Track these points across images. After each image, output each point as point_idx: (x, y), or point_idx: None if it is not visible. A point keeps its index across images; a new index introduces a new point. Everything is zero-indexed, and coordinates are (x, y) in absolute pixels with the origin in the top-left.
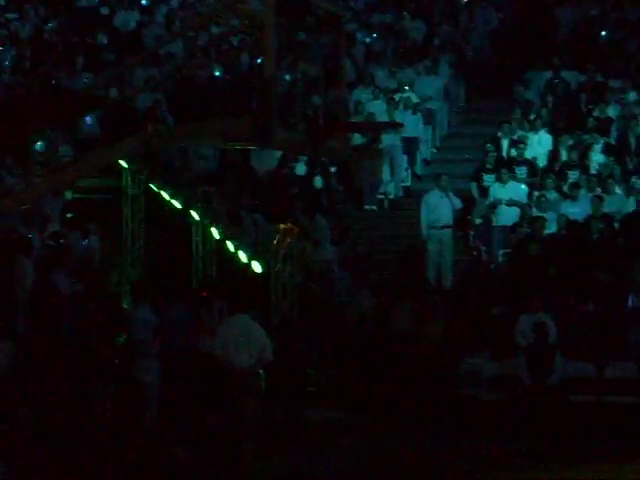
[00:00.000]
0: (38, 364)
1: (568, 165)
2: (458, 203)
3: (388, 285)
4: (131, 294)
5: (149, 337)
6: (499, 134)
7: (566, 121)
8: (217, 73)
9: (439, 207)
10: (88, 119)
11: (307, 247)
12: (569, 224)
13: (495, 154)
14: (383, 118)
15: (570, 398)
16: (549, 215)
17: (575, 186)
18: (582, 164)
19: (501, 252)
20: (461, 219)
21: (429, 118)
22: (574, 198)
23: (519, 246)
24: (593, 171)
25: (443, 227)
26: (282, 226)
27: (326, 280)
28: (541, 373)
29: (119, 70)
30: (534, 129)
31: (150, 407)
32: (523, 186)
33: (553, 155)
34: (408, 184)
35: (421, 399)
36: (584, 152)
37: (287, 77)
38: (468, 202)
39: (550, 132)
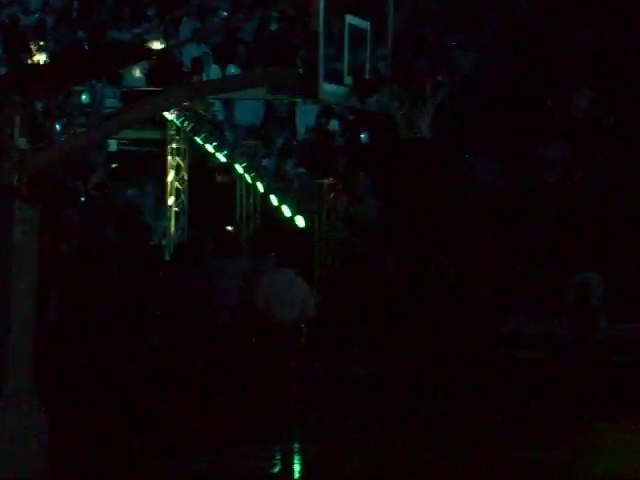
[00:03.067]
0: (84, 313)
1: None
2: None
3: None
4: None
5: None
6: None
7: None
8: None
9: None
10: (136, 72)
11: (350, 202)
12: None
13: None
14: None
15: (613, 358)
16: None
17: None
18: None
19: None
20: None
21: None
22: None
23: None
24: None
25: None
26: (325, 181)
27: (368, 235)
28: (584, 333)
29: (165, 22)
30: None
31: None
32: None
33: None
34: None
35: (462, 357)
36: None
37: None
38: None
39: None
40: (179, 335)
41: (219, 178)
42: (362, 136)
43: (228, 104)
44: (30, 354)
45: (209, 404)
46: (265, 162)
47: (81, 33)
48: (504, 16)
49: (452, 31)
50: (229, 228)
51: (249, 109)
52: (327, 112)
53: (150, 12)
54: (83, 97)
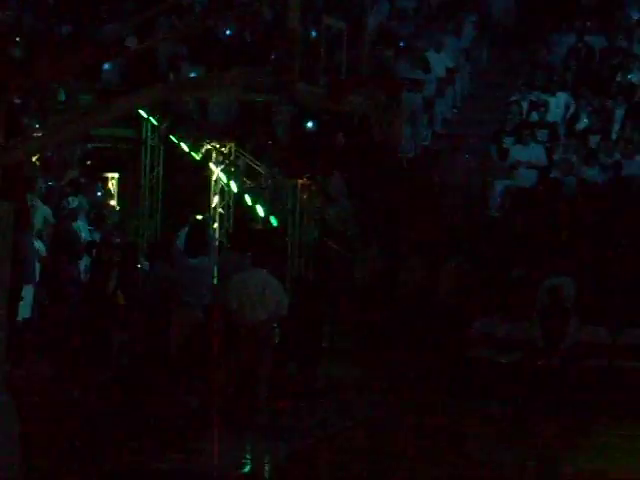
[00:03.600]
0: (55, 310)
1: (589, 130)
2: None
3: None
4: (150, 250)
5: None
6: (519, 97)
7: (588, 85)
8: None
9: None
10: (107, 67)
11: (323, 203)
12: (588, 188)
13: (517, 116)
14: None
15: (583, 362)
16: (568, 179)
17: (595, 150)
18: (603, 129)
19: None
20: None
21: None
22: (594, 162)
23: (538, 208)
24: (614, 136)
25: None
26: (299, 181)
27: (341, 236)
28: (554, 337)
29: (141, 19)
30: (554, 92)
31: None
32: (542, 149)
33: (573, 119)
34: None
35: (433, 358)
36: (605, 117)
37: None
38: (487, 163)
39: (572, 96)
40: (148, 334)
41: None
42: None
43: (203, 103)
44: (2, 352)
45: (179, 403)
46: (239, 161)
47: (57, 29)
48: (481, 18)
49: (428, 32)
50: (199, 217)
51: (224, 109)
52: (303, 112)
53: (127, 8)
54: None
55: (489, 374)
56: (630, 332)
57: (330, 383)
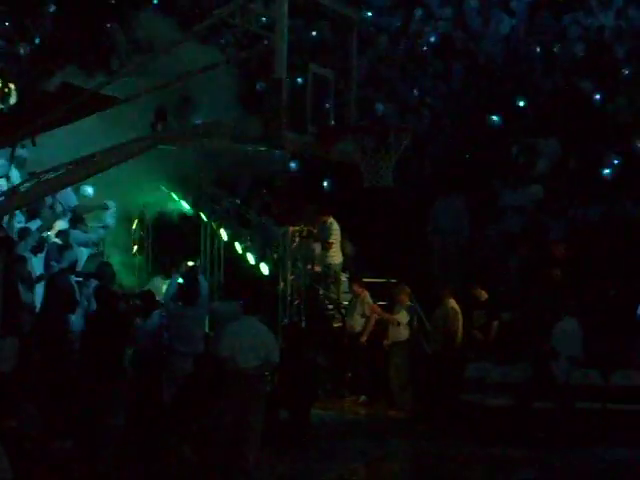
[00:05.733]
0: (45, 362)
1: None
2: None
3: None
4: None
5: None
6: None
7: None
8: None
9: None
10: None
11: (315, 249)
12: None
13: None
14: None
15: (576, 405)
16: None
17: None
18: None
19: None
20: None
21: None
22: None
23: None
24: None
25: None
26: (291, 228)
27: (333, 283)
28: (546, 379)
29: (129, 71)
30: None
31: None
32: None
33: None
34: None
35: (427, 403)
36: None
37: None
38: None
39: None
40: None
41: None
42: (325, 183)
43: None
44: None
45: (173, 452)
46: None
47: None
48: (469, 63)
49: (416, 77)
50: (190, 263)
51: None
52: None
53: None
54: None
55: (481, 417)
56: (622, 374)
57: (323, 429)
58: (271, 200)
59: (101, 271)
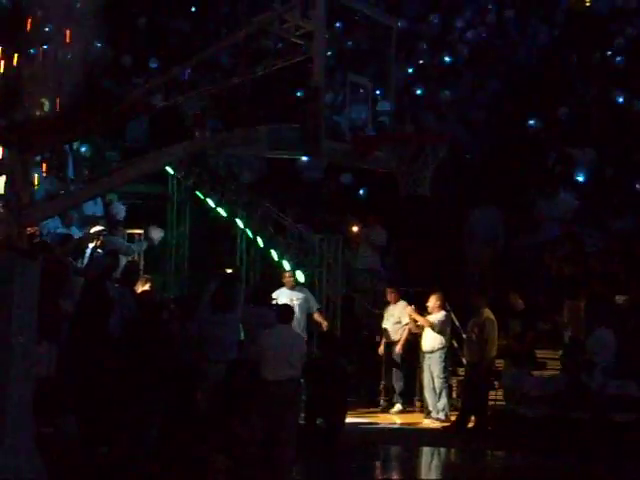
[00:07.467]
0: (85, 369)
1: None
2: None
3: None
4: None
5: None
6: None
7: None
8: None
9: None
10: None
11: (352, 257)
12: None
13: None
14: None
15: (612, 416)
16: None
17: None
18: None
19: None
20: None
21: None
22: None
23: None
24: None
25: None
26: (327, 236)
27: (369, 291)
28: (582, 390)
29: (166, 76)
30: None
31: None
32: None
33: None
34: None
35: (462, 412)
36: None
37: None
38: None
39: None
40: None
41: None
42: (361, 192)
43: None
44: (30, 406)
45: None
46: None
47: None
48: (508, 69)
49: (454, 86)
50: (229, 270)
51: (249, 164)
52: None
53: (152, 66)
54: (83, 149)
55: (516, 427)
56: None
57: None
58: (311, 207)
59: (125, 270)
